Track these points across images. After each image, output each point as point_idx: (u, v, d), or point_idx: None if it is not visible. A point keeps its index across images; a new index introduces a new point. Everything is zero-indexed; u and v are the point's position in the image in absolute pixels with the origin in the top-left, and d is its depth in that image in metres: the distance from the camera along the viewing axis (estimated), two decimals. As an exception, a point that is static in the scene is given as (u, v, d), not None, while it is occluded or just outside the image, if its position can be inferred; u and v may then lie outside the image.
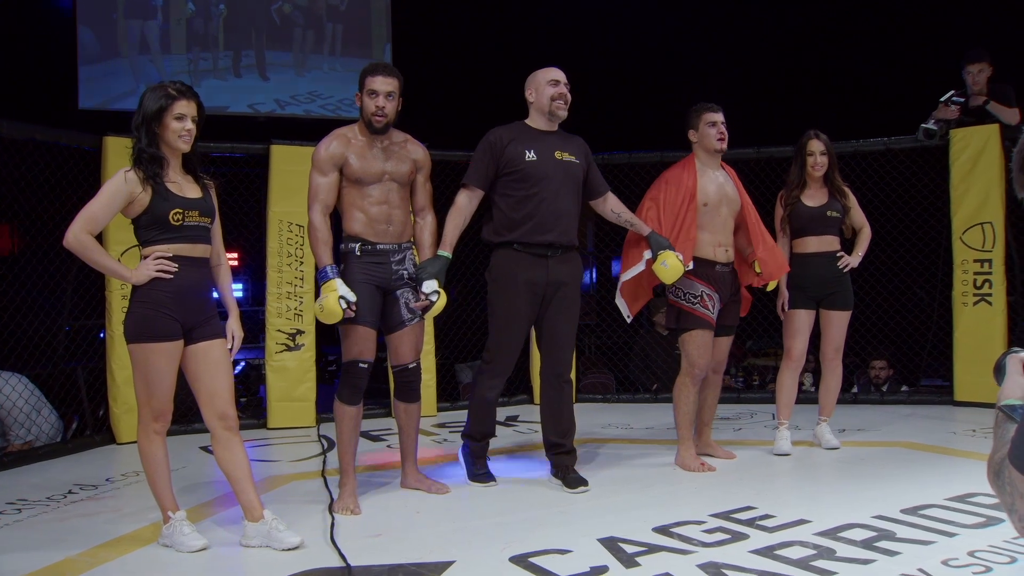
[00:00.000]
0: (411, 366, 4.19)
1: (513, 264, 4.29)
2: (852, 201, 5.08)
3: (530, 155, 4.27)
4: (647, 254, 4.54)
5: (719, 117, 4.69)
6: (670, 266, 4.40)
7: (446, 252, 4.22)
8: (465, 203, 4.32)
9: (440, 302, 4.11)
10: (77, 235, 3.30)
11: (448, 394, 7.08)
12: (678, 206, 4.57)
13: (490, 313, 4.41)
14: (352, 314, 3.86)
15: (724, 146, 4.68)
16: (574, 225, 4.40)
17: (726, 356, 4.94)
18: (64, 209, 5.03)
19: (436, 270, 4.13)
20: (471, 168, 4.35)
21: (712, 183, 4.67)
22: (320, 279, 3.92)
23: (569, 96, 4.35)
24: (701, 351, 4.64)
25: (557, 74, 4.35)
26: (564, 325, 4.39)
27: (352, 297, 3.85)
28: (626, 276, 4.68)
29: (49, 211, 5.31)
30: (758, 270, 4.73)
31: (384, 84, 3.98)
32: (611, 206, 4.60)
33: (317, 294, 4.01)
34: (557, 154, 4.33)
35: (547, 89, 4.32)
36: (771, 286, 4.88)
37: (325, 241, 3.94)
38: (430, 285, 4.07)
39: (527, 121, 4.41)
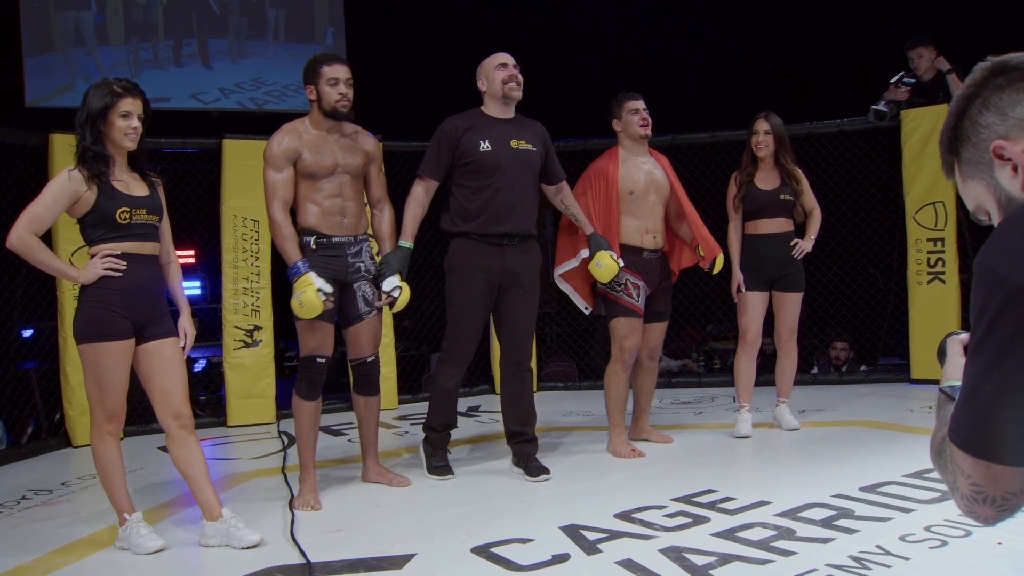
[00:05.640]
0: (369, 359, 4.17)
1: (469, 253, 4.28)
2: (804, 185, 5.11)
3: (485, 145, 4.25)
4: (584, 252, 4.58)
5: (641, 104, 4.75)
6: (604, 266, 4.45)
7: (407, 243, 4.22)
8: (421, 194, 4.31)
9: (403, 297, 4.10)
10: (21, 235, 3.24)
11: (409, 386, 7.05)
12: (604, 198, 4.62)
13: (448, 302, 4.40)
14: (332, 305, 3.84)
15: (648, 132, 4.75)
16: (531, 214, 4.39)
17: (660, 342, 4.99)
18: (11, 208, 4.93)
19: (399, 263, 4.13)
20: (426, 159, 4.33)
21: (637, 171, 4.70)
22: (292, 275, 3.86)
23: (520, 77, 4.34)
24: (628, 336, 4.68)
25: (504, 57, 4.35)
26: (523, 314, 4.39)
27: (329, 289, 3.82)
28: (560, 270, 4.75)
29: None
30: (702, 252, 4.78)
31: (343, 71, 3.98)
32: (562, 197, 4.61)
33: (275, 289, 3.96)
34: (513, 143, 4.31)
35: (496, 74, 4.31)
36: (717, 267, 4.82)
37: (290, 237, 3.91)
38: (391, 283, 4.06)
39: (482, 109, 4.39)
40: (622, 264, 4.50)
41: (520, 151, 4.33)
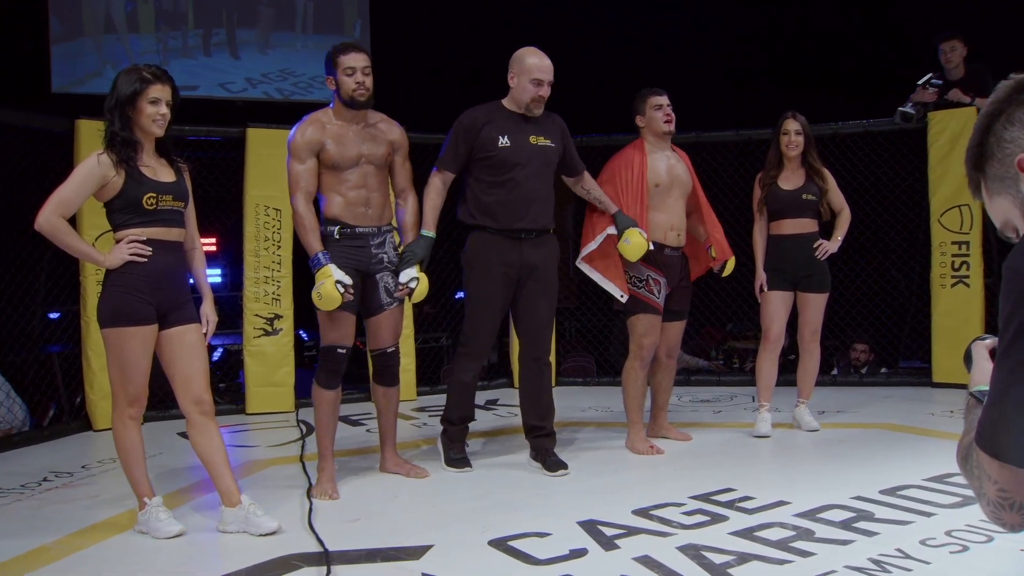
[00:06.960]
0: (390, 350, 4.18)
1: (487, 247, 4.27)
2: (831, 183, 5.08)
3: (504, 141, 4.23)
4: (610, 229, 4.53)
5: (664, 100, 4.71)
6: (633, 243, 4.41)
7: (430, 232, 4.22)
8: (440, 185, 4.30)
9: (420, 287, 4.10)
10: (49, 218, 3.26)
11: (428, 378, 7.06)
12: (634, 186, 4.59)
13: (466, 296, 4.41)
14: (351, 297, 3.85)
15: (672, 128, 4.72)
16: (548, 209, 4.38)
17: (679, 341, 4.99)
18: (37, 193, 4.96)
19: (422, 253, 4.13)
20: (444, 151, 4.31)
21: (662, 164, 4.69)
22: (313, 267, 3.87)
23: (548, 92, 4.29)
24: (648, 334, 4.66)
25: (541, 72, 4.23)
26: (541, 308, 4.38)
27: (348, 281, 3.83)
28: (582, 253, 4.63)
29: (22, 195, 5.23)
30: (714, 254, 4.79)
31: (360, 59, 3.96)
32: (583, 184, 4.62)
33: (293, 280, 3.98)
34: (532, 139, 4.30)
35: (529, 87, 4.23)
36: (728, 270, 4.88)
37: (312, 228, 3.91)
38: (407, 274, 4.06)
39: (504, 102, 4.35)
40: (651, 247, 4.47)
41: (539, 147, 4.31)
